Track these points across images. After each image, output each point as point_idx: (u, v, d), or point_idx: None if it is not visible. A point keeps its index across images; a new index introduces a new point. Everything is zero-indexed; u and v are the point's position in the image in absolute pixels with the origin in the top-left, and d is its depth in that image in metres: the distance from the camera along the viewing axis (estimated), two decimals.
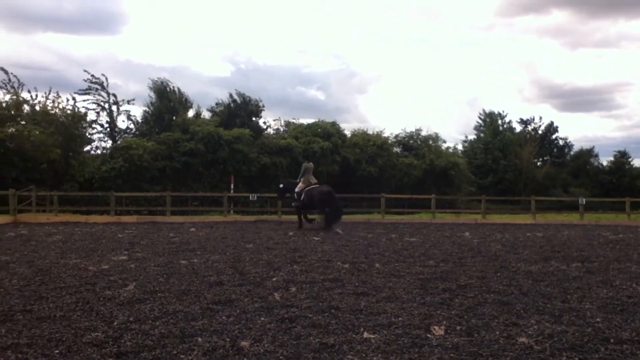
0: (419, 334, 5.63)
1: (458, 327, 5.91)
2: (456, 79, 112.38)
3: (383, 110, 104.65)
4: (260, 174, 35.59)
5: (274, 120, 42.79)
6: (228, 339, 5.39)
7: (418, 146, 42.99)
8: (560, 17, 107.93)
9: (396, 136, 44.01)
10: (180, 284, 8.24)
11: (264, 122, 40.60)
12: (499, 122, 63.19)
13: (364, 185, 37.39)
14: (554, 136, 67.75)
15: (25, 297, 7.31)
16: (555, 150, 67.55)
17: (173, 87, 38.06)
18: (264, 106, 39.49)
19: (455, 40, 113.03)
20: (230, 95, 39.27)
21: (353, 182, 38.10)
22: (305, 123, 40.68)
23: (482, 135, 62.41)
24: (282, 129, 42.61)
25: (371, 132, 42.01)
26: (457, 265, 10.39)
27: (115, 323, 5.97)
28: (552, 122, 68.09)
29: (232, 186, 31.10)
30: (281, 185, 19.90)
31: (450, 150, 50.06)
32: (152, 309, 6.58)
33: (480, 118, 65.20)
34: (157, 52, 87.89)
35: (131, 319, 6.14)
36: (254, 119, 39.22)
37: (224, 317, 6.21)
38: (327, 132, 38.06)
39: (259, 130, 39.04)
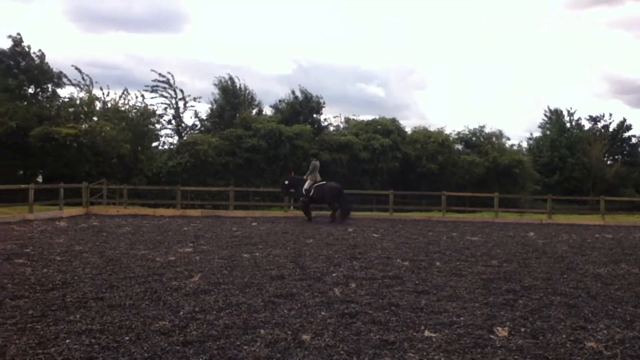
0: (481, 335, 5.54)
1: (522, 329, 5.78)
2: (521, 74, 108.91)
3: (443, 106, 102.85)
4: (320, 170, 35.76)
5: (334, 117, 42.85)
6: (289, 332, 5.48)
7: (481, 143, 41.97)
8: (635, 8, 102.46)
9: (458, 133, 43.15)
10: (243, 276, 8.43)
11: (325, 119, 40.79)
12: (567, 119, 60.81)
13: (424, 183, 36.91)
14: (626, 134, 64.56)
15: (97, 285, 7.68)
16: (627, 148, 64.34)
17: (240, 84, 38.86)
18: (325, 103, 39.68)
19: (520, 33, 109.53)
20: (293, 92, 39.68)
21: (413, 179, 37.68)
22: (365, 120, 40.57)
23: (547, 132, 60.25)
24: (341, 126, 42.66)
25: (432, 129, 41.44)
26: (521, 266, 10.12)
27: (182, 313, 6.19)
28: (624, 119, 64.88)
29: None
30: (286, 182, 20.92)
31: (515, 147, 48.60)
32: (216, 300, 6.78)
33: (545, 115, 62.99)
34: (219, 50, 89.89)
35: (196, 309, 6.35)
36: (315, 115, 39.46)
37: (285, 311, 6.32)
38: (387, 128, 37.80)
39: (319, 127, 39.25)
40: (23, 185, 21.29)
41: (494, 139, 42.89)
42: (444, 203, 23.74)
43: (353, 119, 41.53)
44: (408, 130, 41.00)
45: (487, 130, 43.43)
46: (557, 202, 33.35)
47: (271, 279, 8.28)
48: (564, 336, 5.57)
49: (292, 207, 25.45)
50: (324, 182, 19.98)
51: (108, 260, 9.82)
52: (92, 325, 5.66)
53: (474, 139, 43.00)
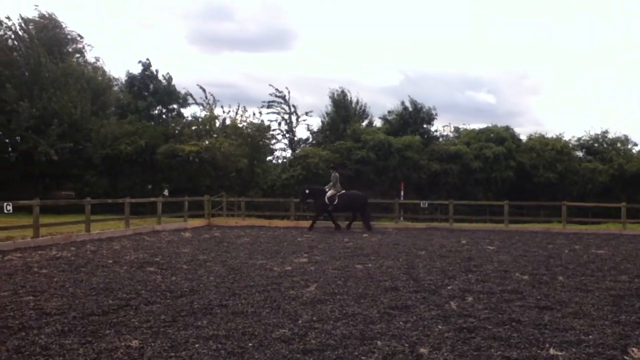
0: (614, 355, 5.20)
1: None
2: None
3: (561, 111, 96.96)
4: (430, 181, 35.25)
5: (443, 127, 42.10)
6: (407, 345, 5.48)
7: (604, 150, 39.13)
8: None
9: (578, 139, 40.57)
10: (357, 287, 8.54)
11: (435, 130, 40.21)
12: None
13: (542, 193, 35.08)
14: None
15: (221, 293, 8.12)
16: None
17: (351, 97, 39.41)
18: (436, 114, 39.10)
19: None
20: (402, 103, 39.55)
21: (529, 188, 35.97)
22: (477, 128, 39.43)
23: None
24: (451, 135, 41.81)
25: (549, 136, 39.37)
26: None
27: (300, 321, 6.39)
28: None
29: (402, 193, 31.24)
30: (307, 191, 21.18)
31: None
32: (332, 310, 6.93)
33: None
34: (327, 65, 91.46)
35: (314, 318, 6.53)
36: (425, 126, 39.02)
37: (401, 323, 6.32)
38: (501, 136, 36.49)
39: (429, 137, 38.73)
40: (152, 199, 23.05)
41: (618, 145, 39.79)
42: (564, 214, 22.43)
43: (463, 128, 40.56)
44: (523, 137, 39.29)
45: (610, 135, 40.40)
46: None
47: (385, 290, 8.30)
48: None
49: (402, 218, 25.29)
50: (344, 191, 20.77)
51: (230, 269, 10.35)
52: (217, 331, 5.99)
53: (596, 145, 40.20)
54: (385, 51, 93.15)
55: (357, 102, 39.87)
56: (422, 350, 5.30)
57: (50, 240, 14.81)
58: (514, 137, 37.83)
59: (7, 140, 31.68)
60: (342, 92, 39.17)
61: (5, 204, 14.88)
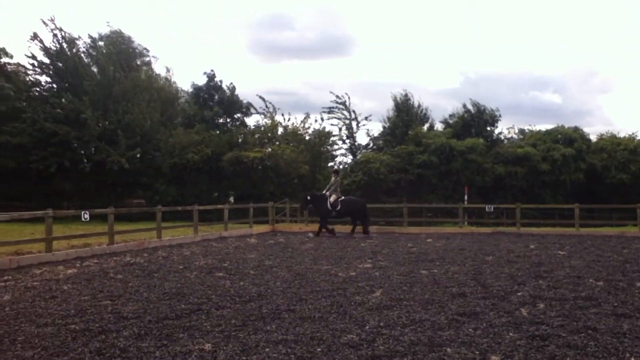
0: None
1: None
2: None
3: (633, 110, 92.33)
4: (495, 184, 34.44)
5: (507, 129, 41.15)
6: (477, 352, 5.39)
7: None
8: None
9: None
10: (423, 293, 8.47)
11: (499, 132, 39.31)
12: None
13: (614, 195, 33.56)
14: None
15: (288, 298, 8.26)
16: None
17: (413, 101, 39.15)
18: (500, 115, 38.21)
19: None
20: (464, 106, 38.90)
21: (600, 191, 34.51)
22: (543, 129, 38.22)
23: None
24: (515, 137, 40.73)
25: (621, 136, 37.65)
26: None
27: (367, 327, 6.41)
28: None
29: (465, 197, 30.68)
30: (309, 197, 20.92)
31: None
32: (399, 316, 6.91)
33: None
34: (386, 69, 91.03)
35: (381, 324, 6.53)
36: (489, 128, 38.19)
37: (470, 330, 6.23)
38: (569, 137, 35.24)
39: (493, 140, 37.86)
40: (219, 206, 23.69)
41: None
42: (639, 216, 21.36)
43: (529, 130, 39.42)
44: (592, 138, 37.79)
45: None
46: None
47: (452, 296, 8.19)
48: None
49: (466, 223, 24.83)
50: (343, 197, 20.77)
51: (295, 275, 10.49)
52: (286, 335, 6.10)
53: None
54: (444, 53, 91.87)
55: (419, 106, 39.56)
56: (493, 358, 5.21)
57: (125, 246, 15.47)
58: (584, 138, 36.45)
59: (82, 152, 33.49)
60: (406, 95, 38.95)
61: (83, 212, 15.71)
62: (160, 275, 10.68)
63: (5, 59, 35.90)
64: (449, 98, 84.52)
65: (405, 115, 38.23)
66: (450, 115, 40.46)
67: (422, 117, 39.65)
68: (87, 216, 15.64)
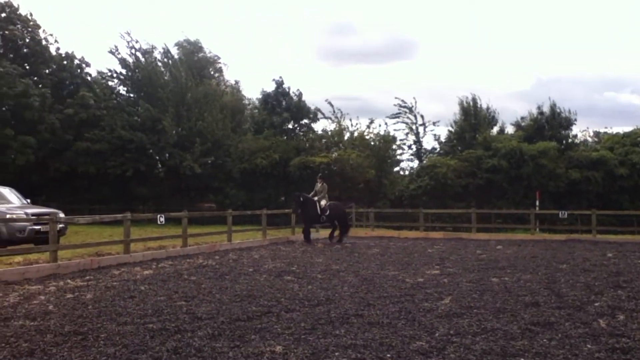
0: None
1: None
2: None
3: None
4: (569, 190, 33.08)
5: (581, 132, 39.45)
6: None
7: None
8: None
9: None
10: (495, 301, 8.28)
11: (574, 135, 37.76)
12: None
13: None
14: None
15: (356, 302, 8.29)
16: None
17: (481, 104, 38.34)
18: (576, 119, 36.67)
19: None
20: (538, 108, 37.63)
21: None
22: (621, 132, 36.39)
23: None
24: (590, 140, 39.02)
25: None
26: None
27: (437, 334, 6.35)
28: None
29: (537, 203, 29.66)
30: (302, 199, 19.75)
31: None
32: (470, 324, 6.80)
33: None
34: (452, 72, 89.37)
35: (451, 332, 6.45)
36: (563, 131, 36.75)
37: (545, 340, 6.05)
38: None
39: (567, 143, 36.41)
40: (286, 210, 24.08)
41: None
42: None
43: (604, 132, 37.65)
44: None
45: None
46: None
47: (525, 305, 7.97)
48: None
49: (537, 229, 24.02)
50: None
51: (362, 280, 10.52)
52: (355, 340, 6.14)
53: None
54: (514, 55, 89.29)
55: (487, 109, 38.64)
56: None
57: (197, 249, 15.99)
58: None
59: (157, 157, 34.96)
60: (473, 99, 38.15)
61: (158, 215, 16.39)
62: (231, 277, 10.98)
63: (87, 69, 38.23)
64: (519, 100, 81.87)
65: (473, 118, 37.43)
66: (522, 118, 39.29)
67: (491, 120, 38.66)
68: (162, 219, 16.30)
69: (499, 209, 30.17)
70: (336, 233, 20.03)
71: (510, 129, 39.14)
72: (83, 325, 6.83)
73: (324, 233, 21.41)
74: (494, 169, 32.67)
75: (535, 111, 37.70)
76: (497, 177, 32.78)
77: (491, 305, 8.01)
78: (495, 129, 38.49)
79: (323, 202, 19.63)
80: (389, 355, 5.59)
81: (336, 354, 5.65)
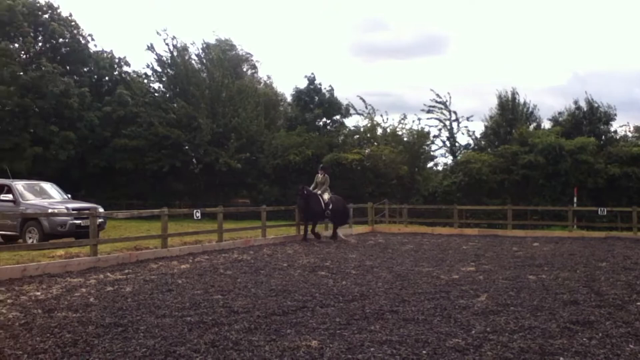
0: None
1: None
2: None
3: None
4: (608, 186, 32.23)
5: (620, 127, 38.22)
6: None
7: None
8: None
9: None
10: (532, 299, 8.17)
11: (613, 130, 36.70)
12: None
13: None
14: None
15: (390, 299, 8.29)
16: None
17: (519, 99, 37.63)
18: (615, 114, 35.65)
19: None
20: (575, 103, 36.75)
21: None
22: None
23: None
24: (630, 135, 37.87)
25: None
26: None
27: (473, 332, 6.30)
28: None
29: (575, 199, 29.02)
30: (305, 192, 18.36)
31: None
32: (507, 322, 6.73)
33: None
34: (485, 68, 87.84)
35: (488, 329, 6.40)
36: (602, 126, 35.80)
37: (584, 339, 5.94)
38: None
39: (607, 139, 35.45)
40: None
41: None
42: None
43: None
44: None
45: None
46: None
47: (564, 303, 7.84)
48: None
49: (575, 226, 23.52)
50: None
51: (397, 276, 10.50)
52: (391, 336, 6.14)
53: None
54: (550, 49, 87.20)
55: (525, 104, 37.91)
56: None
57: (232, 244, 16.19)
58: None
59: (193, 154, 35.51)
60: (512, 93, 37.47)
61: (195, 211, 16.65)
62: (266, 272, 11.09)
63: (125, 68, 39.06)
64: (556, 95, 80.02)
65: (510, 114, 36.77)
66: (559, 113, 38.41)
67: (529, 115, 37.93)
68: (198, 214, 16.56)
69: (536, 205, 29.60)
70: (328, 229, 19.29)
71: (547, 124, 38.35)
72: (123, 317, 7.01)
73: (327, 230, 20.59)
74: (531, 164, 32.04)
75: (572, 106, 36.83)
76: (533, 173, 32.14)
77: (528, 303, 7.90)
78: (532, 124, 37.75)
79: (326, 196, 18.65)
80: (424, 351, 5.58)
81: (371, 349, 5.67)
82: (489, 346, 5.71)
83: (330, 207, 18.51)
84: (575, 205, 27.63)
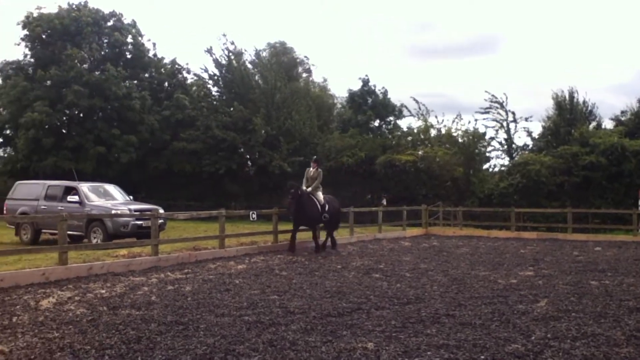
0: None
1: None
2: None
3: None
4: None
5: None
6: None
7: None
8: None
9: None
10: (595, 305, 7.93)
11: None
12: None
13: None
14: None
15: (446, 302, 8.22)
16: None
17: (577, 98, 36.42)
18: None
19: None
20: (639, 101, 35.22)
21: None
22: None
23: None
24: None
25: None
26: None
27: (533, 338, 6.18)
28: None
29: (639, 202, 27.81)
30: (299, 192, 15.34)
31: None
32: (568, 328, 6.56)
33: None
34: (541, 66, 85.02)
35: (549, 335, 6.26)
36: None
37: None
38: None
39: None
40: (373, 208, 24.16)
41: None
42: None
43: None
44: None
45: None
46: None
47: (629, 310, 7.57)
48: None
49: (639, 230, 22.52)
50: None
51: (452, 279, 10.39)
52: (448, 340, 6.10)
53: None
54: (611, 46, 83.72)
55: (584, 103, 36.60)
56: None
57: (287, 245, 16.37)
58: None
59: (247, 156, 36.20)
60: (569, 92, 36.26)
61: (251, 212, 16.96)
62: (321, 273, 11.20)
63: (185, 74, 40.24)
64: (618, 94, 76.73)
65: (569, 113, 35.57)
66: (622, 112, 36.90)
67: (588, 114, 36.58)
68: (254, 216, 16.85)
69: (597, 208, 28.52)
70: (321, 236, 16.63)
71: (608, 124, 36.91)
72: (184, 316, 7.24)
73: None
74: (592, 166, 30.90)
75: (636, 105, 35.29)
76: (595, 175, 30.99)
77: (591, 309, 7.67)
78: (592, 124, 36.40)
79: (321, 196, 15.90)
80: (482, 357, 5.52)
81: (428, 353, 5.65)
82: (550, 353, 5.60)
83: (327, 208, 15.82)
84: (639, 208, 26.47)
